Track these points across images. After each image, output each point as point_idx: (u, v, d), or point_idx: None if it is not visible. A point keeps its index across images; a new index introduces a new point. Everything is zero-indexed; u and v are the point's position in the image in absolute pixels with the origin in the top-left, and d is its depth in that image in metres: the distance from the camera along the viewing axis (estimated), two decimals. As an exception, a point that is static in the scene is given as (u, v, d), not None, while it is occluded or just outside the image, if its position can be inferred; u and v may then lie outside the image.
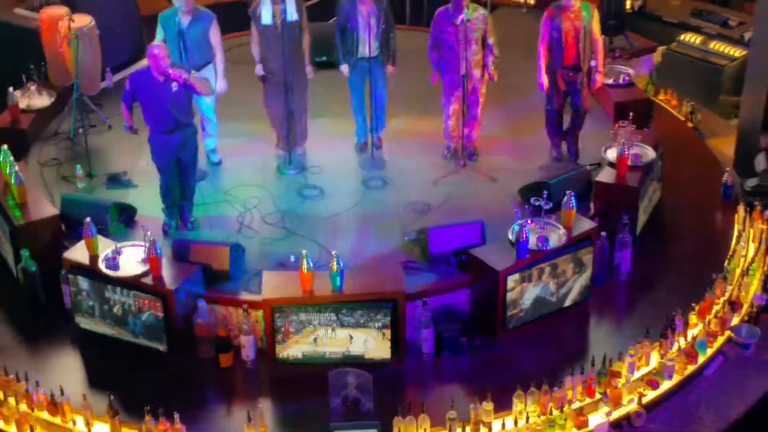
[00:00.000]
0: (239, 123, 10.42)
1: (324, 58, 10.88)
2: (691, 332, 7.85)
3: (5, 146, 8.95)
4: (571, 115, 9.73)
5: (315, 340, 7.62)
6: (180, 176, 8.73)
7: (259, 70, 9.57)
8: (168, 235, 8.76)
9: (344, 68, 9.75)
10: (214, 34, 9.41)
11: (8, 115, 10.22)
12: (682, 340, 7.74)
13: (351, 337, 7.60)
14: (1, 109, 10.34)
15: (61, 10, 10.64)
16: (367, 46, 9.46)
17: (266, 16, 9.27)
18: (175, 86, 8.26)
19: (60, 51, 10.35)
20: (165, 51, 8.30)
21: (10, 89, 10.20)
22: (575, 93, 9.55)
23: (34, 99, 10.51)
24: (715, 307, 8.05)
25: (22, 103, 10.33)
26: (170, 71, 8.20)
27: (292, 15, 9.30)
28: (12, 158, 8.83)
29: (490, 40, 9.40)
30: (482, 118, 9.77)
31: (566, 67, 9.43)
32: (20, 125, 10.16)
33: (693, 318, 7.92)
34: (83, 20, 10.48)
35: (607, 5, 12.08)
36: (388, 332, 7.58)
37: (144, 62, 8.75)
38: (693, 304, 7.94)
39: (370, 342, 7.61)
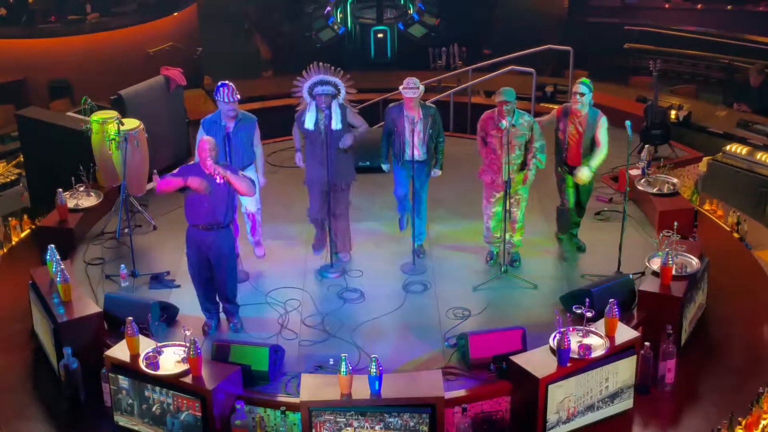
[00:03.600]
0: (281, 225, 10.54)
1: (367, 163, 10.99)
2: (738, 446, 7.68)
3: (52, 245, 9.08)
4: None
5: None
6: (215, 277, 8.79)
7: (298, 159, 9.73)
8: (208, 335, 8.78)
9: (386, 167, 9.85)
10: (257, 135, 9.61)
11: (56, 214, 10.41)
12: (728, 454, 7.56)
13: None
14: (50, 208, 10.53)
15: (111, 113, 10.88)
16: (412, 151, 9.55)
17: (309, 122, 9.41)
18: (219, 179, 8.38)
19: (108, 153, 10.55)
20: (211, 144, 8.45)
21: (59, 190, 10.40)
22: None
23: (82, 199, 10.73)
24: (762, 422, 7.86)
25: (71, 203, 10.53)
26: (209, 165, 8.34)
27: (336, 124, 9.44)
28: (58, 256, 8.94)
29: (536, 145, 9.46)
30: (525, 223, 9.78)
31: (571, 167, 9.63)
32: (68, 224, 10.35)
33: (740, 432, 7.76)
34: (132, 124, 10.71)
35: (652, 115, 12.15)
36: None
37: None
38: (740, 419, 7.77)
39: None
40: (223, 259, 8.67)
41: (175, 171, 8.67)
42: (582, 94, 9.46)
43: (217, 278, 8.78)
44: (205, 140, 8.49)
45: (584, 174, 9.69)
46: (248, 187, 8.58)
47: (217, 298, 8.92)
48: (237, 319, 8.94)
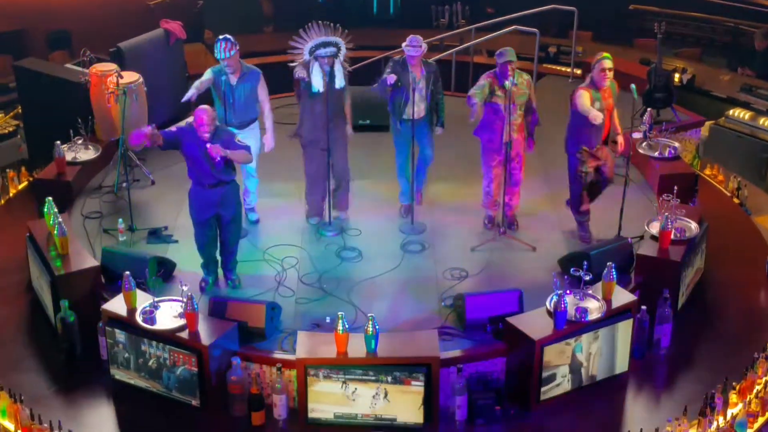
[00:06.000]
0: (280, 183, 10.51)
1: (367, 122, 10.94)
2: (731, 411, 7.68)
3: (50, 198, 9.05)
4: (596, 185, 9.70)
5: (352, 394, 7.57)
6: (221, 232, 8.77)
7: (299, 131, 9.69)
8: (204, 291, 8.78)
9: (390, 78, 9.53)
10: (262, 91, 9.54)
11: (54, 167, 10.37)
12: (721, 419, 7.58)
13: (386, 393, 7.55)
14: (48, 161, 10.48)
15: (110, 66, 10.81)
16: (414, 108, 9.52)
17: (317, 83, 9.32)
18: (217, 157, 8.35)
19: (107, 106, 10.49)
20: (210, 117, 8.36)
21: (58, 142, 10.36)
22: (604, 165, 9.52)
23: (80, 152, 10.68)
24: (757, 387, 7.88)
25: (69, 156, 10.48)
26: (208, 147, 8.27)
27: (340, 82, 9.38)
28: (56, 209, 8.92)
29: (534, 105, 9.44)
30: (523, 185, 9.75)
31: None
32: (66, 178, 10.30)
33: (733, 397, 7.76)
34: (131, 77, 10.64)
35: (656, 78, 12.08)
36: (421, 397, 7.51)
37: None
38: (734, 384, 7.79)
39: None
40: (232, 212, 8.68)
41: (172, 128, 8.60)
42: (611, 69, 9.20)
43: (224, 232, 8.77)
44: (202, 112, 8.32)
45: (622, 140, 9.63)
46: (245, 158, 8.57)
47: (218, 255, 8.91)
48: (235, 276, 8.94)
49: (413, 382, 7.47)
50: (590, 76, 9.25)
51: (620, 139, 9.57)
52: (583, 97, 9.12)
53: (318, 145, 9.59)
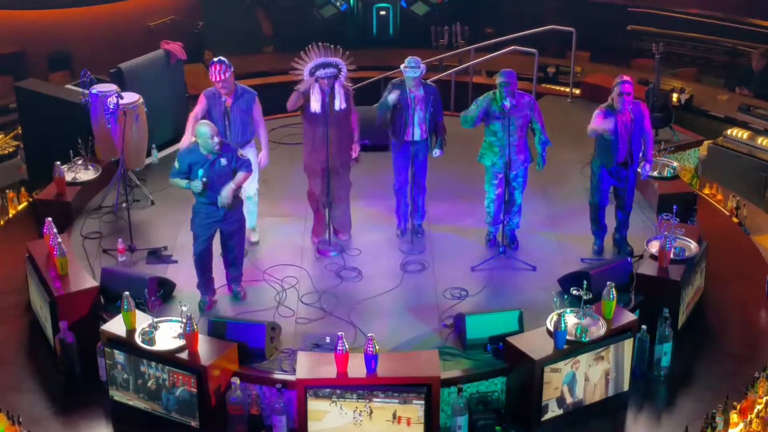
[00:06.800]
0: (280, 203, 10.51)
1: (366, 142, 10.94)
2: None
3: (50, 218, 9.05)
4: (617, 214, 9.67)
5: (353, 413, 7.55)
6: (223, 244, 8.81)
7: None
8: (204, 311, 8.76)
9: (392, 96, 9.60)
10: (257, 110, 9.59)
11: (54, 187, 10.37)
12: (722, 439, 7.57)
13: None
14: (48, 181, 10.48)
15: (111, 87, 10.82)
16: (415, 129, 9.53)
17: (315, 105, 9.36)
18: (224, 161, 8.41)
19: (107, 127, 10.50)
20: (213, 130, 8.43)
21: (57, 163, 10.36)
22: (625, 190, 9.51)
23: (80, 173, 10.69)
24: (757, 407, 7.86)
25: (68, 177, 10.49)
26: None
27: (341, 104, 9.40)
28: (56, 230, 8.91)
29: (541, 126, 9.43)
30: (524, 205, 9.74)
31: (617, 165, 9.39)
32: (65, 198, 10.31)
33: (734, 417, 7.74)
34: (131, 97, 10.65)
35: (654, 98, 12.11)
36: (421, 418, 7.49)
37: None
38: (735, 403, 7.77)
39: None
40: (235, 227, 8.77)
41: (176, 165, 8.64)
42: (629, 94, 9.17)
43: (227, 245, 8.82)
44: (203, 128, 8.43)
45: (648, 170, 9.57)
46: (248, 177, 8.70)
47: (224, 266, 8.95)
48: (241, 287, 8.98)
49: (374, 399, 7.48)
50: (611, 97, 9.27)
51: (642, 166, 9.48)
52: (594, 116, 9.22)
53: (318, 169, 9.59)
